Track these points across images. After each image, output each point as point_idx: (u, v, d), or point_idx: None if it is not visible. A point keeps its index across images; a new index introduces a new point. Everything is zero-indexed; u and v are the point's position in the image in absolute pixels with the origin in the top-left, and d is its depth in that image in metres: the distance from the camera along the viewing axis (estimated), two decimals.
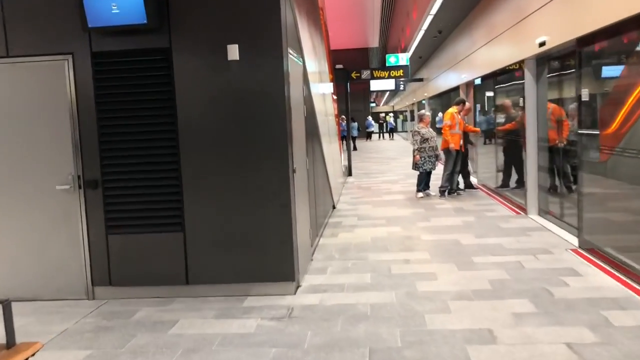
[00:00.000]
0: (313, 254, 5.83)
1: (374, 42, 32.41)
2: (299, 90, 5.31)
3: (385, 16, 25.33)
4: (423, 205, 8.72)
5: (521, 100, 7.90)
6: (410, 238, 6.45)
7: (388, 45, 28.96)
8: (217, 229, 4.46)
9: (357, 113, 31.60)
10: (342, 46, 31.83)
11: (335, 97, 12.01)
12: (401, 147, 26.00)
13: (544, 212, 7.29)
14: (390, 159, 18.99)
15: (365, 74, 13.58)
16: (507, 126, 8.60)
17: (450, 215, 7.76)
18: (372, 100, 49.02)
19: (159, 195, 4.50)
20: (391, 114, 41.83)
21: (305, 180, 5.46)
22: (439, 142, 9.70)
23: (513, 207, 8.08)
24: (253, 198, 4.42)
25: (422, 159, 9.51)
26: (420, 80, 21.44)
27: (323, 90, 8.26)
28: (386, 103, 60.33)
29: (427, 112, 9.74)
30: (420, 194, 9.62)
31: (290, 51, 4.76)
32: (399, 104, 43.60)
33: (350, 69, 13.69)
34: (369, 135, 34.24)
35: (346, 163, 13.98)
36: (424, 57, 18.35)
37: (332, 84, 11.31)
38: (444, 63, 14.79)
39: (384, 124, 38.78)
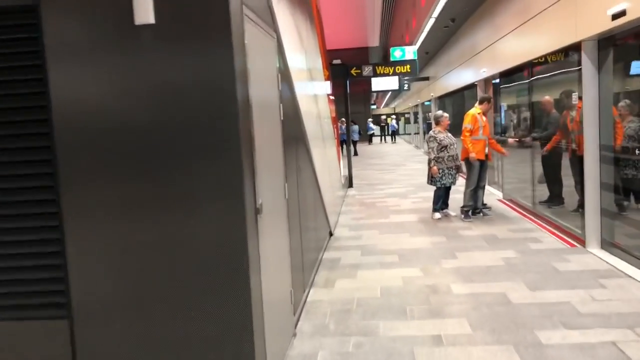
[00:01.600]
0: (297, 322, 3.98)
1: (374, 39, 30.61)
2: (272, 90, 3.48)
3: (387, 8, 23.53)
4: (443, 231, 6.87)
5: (570, 96, 6.07)
6: (435, 290, 4.60)
7: (389, 43, 27.16)
8: (125, 323, 2.62)
9: (357, 115, 29.78)
10: (339, 45, 30.09)
11: (332, 98, 10.18)
12: (405, 151, 24.16)
13: (608, 244, 5.46)
14: (395, 165, 17.14)
15: (367, 70, 11.76)
16: (556, 137, 6.71)
17: (482, 248, 5.91)
18: (372, 102, 47.26)
19: (20, 258, 2.65)
20: (393, 116, 39.96)
21: (283, 217, 3.63)
22: (459, 149, 7.86)
23: (561, 235, 6.23)
24: (181, 265, 2.57)
25: (441, 171, 7.67)
26: (426, 79, 19.61)
27: (315, 90, 6.43)
28: (387, 105, 58.46)
29: (444, 113, 7.90)
30: (438, 215, 7.77)
31: (256, 32, 2.93)
32: (400, 105, 41.72)
33: (349, 65, 11.86)
34: (370, 139, 32.40)
35: (346, 173, 12.15)
36: (432, 52, 16.52)
37: (328, 83, 9.49)
38: (456, 58, 12.97)
39: (386, 127, 36.97)
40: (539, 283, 4.61)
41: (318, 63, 7.26)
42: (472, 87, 11.91)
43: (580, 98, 5.63)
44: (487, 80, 10.64)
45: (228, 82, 2.49)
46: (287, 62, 4.21)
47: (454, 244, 6.19)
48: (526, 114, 7.98)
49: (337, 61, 11.81)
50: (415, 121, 28.31)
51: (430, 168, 7.77)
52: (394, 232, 7.04)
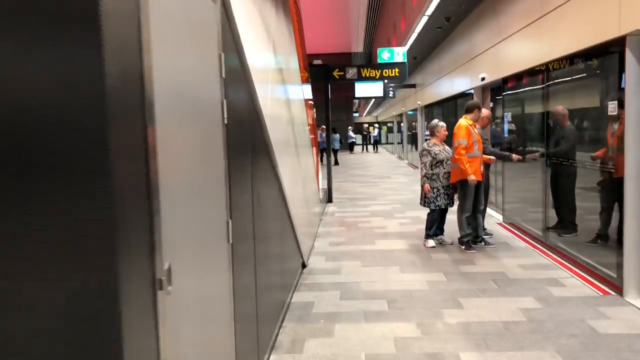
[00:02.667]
0: None
1: (358, 44, 29.56)
2: (206, 79, 2.23)
3: (373, 8, 22.47)
4: (440, 265, 5.66)
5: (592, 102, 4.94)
6: None
7: (374, 47, 26.11)
8: None
9: (339, 123, 28.65)
10: (319, 49, 29.00)
11: (311, 103, 8.95)
12: (388, 162, 23.04)
13: None
14: (378, 177, 15.95)
15: (351, 72, 10.56)
16: (599, 153, 5.49)
17: (492, 292, 4.71)
18: (354, 109, 46.25)
19: None
20: (376, 125, 38.87)
21: (225, 278, 2.36)
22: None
23: (587, 277, 5.07)
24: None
25: (435, 190, 6.48)
26: (413, 86, 18.53)
27: (287, 92, 5.18)
28: (369, 113, 57.46)
29: (441, 123, 6.72)
30: (432, 242, 6.57)
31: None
32: (383, 114, 40.74)
33: (331, 66, 10.66)
34: (351, 148, 31.24)
35: (326, 185, 10.91)
36: (420, 57, 15.43)
37: (308, 86, 8.27)
38: (449, 63, 11.86)
39: (367, 136, 35.90)
40: (579, 355, 3.41)
41: (293, 63, 6.03)
42: (465, 95, 10.80)
43: (621, 107, 4.48)
44: (485, 88, 9.52)
45: (85, 63, 1.24)
46: (244, 55, 2.97)
47: (456, 284, 4.98)
48: (536, 125, 6.84)
49: (317, 61, 10.60)
50: (399, 130, 27.25)
51: (423, 186, 6.57)
52: (380, 263, 5.81)
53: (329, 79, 10.64)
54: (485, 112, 6.70)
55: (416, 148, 19.02)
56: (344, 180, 15.22)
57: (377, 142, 35.09)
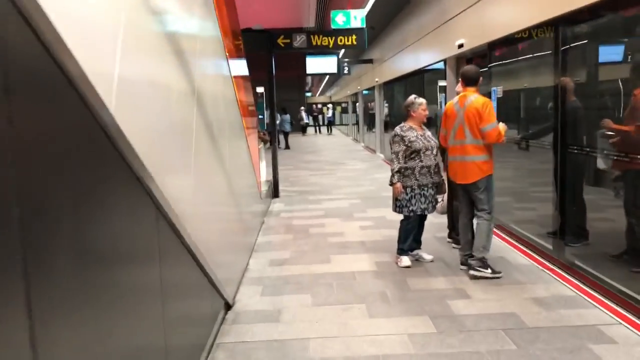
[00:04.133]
0: None
1: (310, 18, 27.56)
2: None
3: None
4: (422, 301, 3.98)
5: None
6: None
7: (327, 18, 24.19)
8: None
9: (290, 103, 26.66)
10: (265, 23, 26.75)
11: (245, 77, 7.02)
12: (343, 145, 21.37)
13: None
14: (333, 163, 14.21)
15: (299, 39, 8.70)
16: (628, 127, 3.89)
17: (510, 357, 3.06)
18: (307, 89, 44.32)
19: None
20: (329, 105, 36.98)
21: None
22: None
23: (627, 315, 3.50)
24: None
25: (409, 190, 4.79)
26: (370, 61, 16.78)
27: (193, 63, 3.26)
28: (322, 93, 55.50)
29: (419, 99, 4.97)
30: (406, 260, 4.89)
31: None
32: (338, 93, 38.99)
33: (274, 32, 8.77)
34: (303, 129, 29.32)
35: (271, 177, 9.09)
36: (379, 28, 13.66)
37: (242, 61, 6.37)
38: (415, 31, 10.16)
39: (320, 116, 34.14)
40: None
41: (209, 28, 4.08)
42: (433, 70, 9.14)
43: None
44: (459, 59, 7.87)
45: None
46: None
47: (453, 340, 3.30)
48: (542, 103, 5.24)
49: (258, 26, 8.67)
50: (355, 111, 25.52)
51: (393, 185, 4.85)
52: (337, 299, 4.08)
53: (273, 48, 8.74)
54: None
55: (371, 130, 17.36)
56: (294, 168, 13.41)
57: (331, 124, 33.37)
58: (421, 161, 4.77)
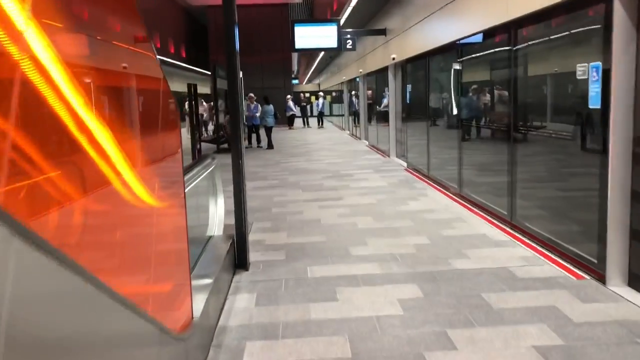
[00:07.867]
0: None
1: None
2: None
3: None
4: None
5: None
6: None
7: None
8: None
9: (274, 91, 22.10)
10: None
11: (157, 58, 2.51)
12: (343, 143, 16.88)
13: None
14: (335, 176, 9.72)
15: None
16: None
17: None
18: (293, 76, 39.72)
19: None
20: (320, 94, 32.26)
21: None
22: None
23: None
24: None
25: None
26: (383, 32, 12.28)
27: None
28: (310, 81, 50.49)
29: None
30: None
31: None
32: (328, 80, 34.38)
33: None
34: (291, 122, 24.69)
35: (230, 218, 4.63)
36: None
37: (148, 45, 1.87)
38: None
39: (308, 107, 29.65)
40: None
41: None
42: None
43: None
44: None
45: None
46: None
47: None
48: None
49: None
50: (352, 100, 20.95)
51: None
52: None
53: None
54: None
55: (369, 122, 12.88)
56: (278, 185, 8.96)
57: (322, 115, 28.85)
58: None
